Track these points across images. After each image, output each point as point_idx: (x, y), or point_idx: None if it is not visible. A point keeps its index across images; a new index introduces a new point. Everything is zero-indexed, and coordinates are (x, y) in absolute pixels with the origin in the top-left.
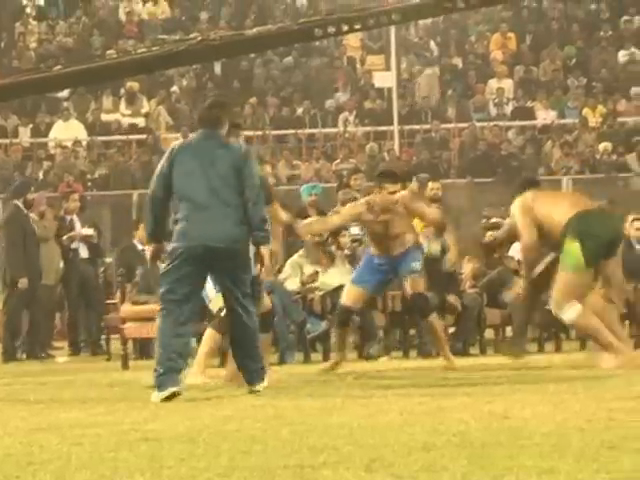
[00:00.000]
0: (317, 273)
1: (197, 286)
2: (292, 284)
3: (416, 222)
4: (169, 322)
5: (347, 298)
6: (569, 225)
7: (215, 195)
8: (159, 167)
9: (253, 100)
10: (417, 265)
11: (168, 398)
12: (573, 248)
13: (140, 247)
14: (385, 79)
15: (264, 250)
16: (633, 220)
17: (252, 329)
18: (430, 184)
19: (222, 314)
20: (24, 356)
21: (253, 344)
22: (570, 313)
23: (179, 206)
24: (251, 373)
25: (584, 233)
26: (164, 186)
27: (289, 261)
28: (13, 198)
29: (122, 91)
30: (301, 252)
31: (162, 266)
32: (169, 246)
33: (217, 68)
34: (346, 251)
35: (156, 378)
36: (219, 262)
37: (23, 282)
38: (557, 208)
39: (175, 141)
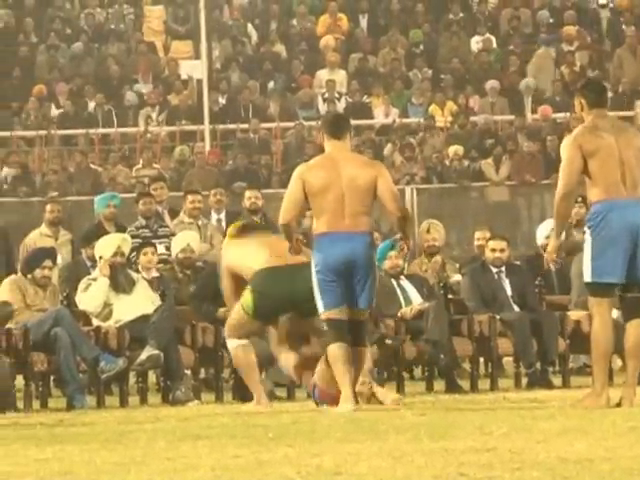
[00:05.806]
0: None
1: None
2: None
3: None
4: None
5: None
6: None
7: None
8: None
9: (37, 91)
10: None
11: None
12: (249, 298)
13: None
14: (194, 69)
15: None
16: (489, 239)
17: None
18: (247, 193)
19: None
20: None
21: None
22: (231, 343)
23: None
24: None
25: (259, 290)
26: None
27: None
28: None
29: None
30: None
31: None
32: None
33: None
34: (154, 273)
35: None
36: None
37: None
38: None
39: None
